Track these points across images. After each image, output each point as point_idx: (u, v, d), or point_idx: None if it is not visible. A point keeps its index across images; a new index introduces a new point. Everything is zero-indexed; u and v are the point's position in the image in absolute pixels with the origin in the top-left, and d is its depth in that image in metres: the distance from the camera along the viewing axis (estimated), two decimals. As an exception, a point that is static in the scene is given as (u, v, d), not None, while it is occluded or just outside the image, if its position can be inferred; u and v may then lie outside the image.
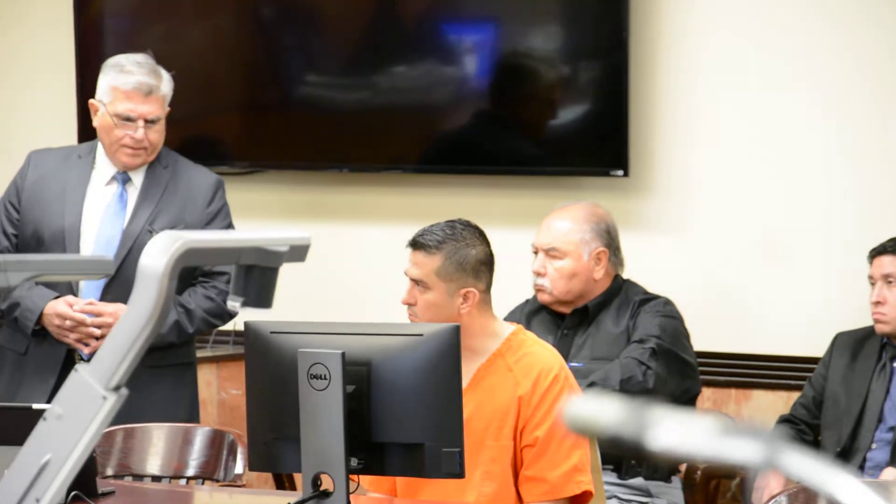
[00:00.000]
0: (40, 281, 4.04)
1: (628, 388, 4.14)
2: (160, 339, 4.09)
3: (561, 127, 5.09)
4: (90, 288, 4.13)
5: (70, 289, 4.13)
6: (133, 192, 4.19)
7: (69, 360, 4.14)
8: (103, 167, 4.21)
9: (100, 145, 4.21)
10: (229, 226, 4.28)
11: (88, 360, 4.06)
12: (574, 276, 4.32)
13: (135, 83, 4.16)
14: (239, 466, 3.71)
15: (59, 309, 4.09)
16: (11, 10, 5.71)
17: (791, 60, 4.87)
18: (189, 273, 4.14)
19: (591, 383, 4.16)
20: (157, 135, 4.18)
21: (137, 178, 4.20)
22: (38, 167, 4.22)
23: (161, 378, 4.08)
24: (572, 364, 4.20)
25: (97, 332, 4.08)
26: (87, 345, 4.09)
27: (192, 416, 4.25)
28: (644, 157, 5.00)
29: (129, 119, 4.14)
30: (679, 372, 4.28)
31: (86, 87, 5.48)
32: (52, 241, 4.13)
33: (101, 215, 4.16)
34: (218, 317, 4.21)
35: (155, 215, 4.16)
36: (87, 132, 5.45)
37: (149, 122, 4.15)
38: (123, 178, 4.19)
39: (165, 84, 4.21)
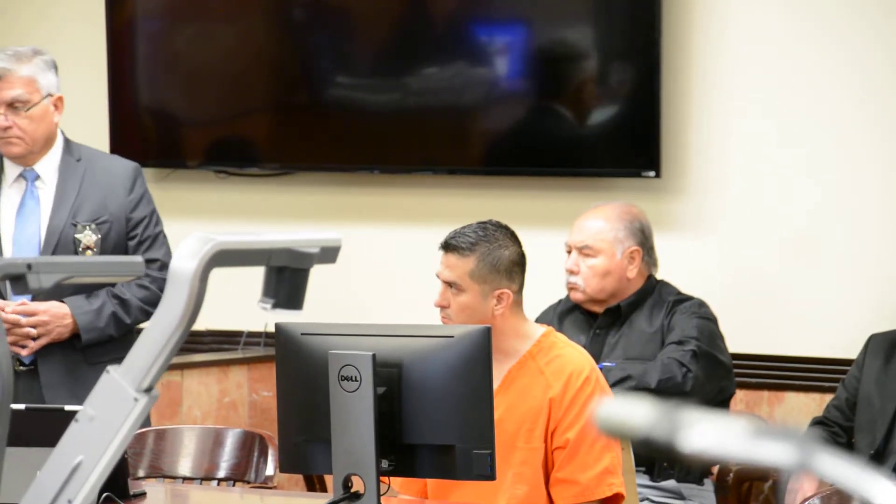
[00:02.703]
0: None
1: (666, 388, 4.13)
2: (100, 333, 4.06)
3: (593, 128, 5.08)
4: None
5: None
6: (45, 189, 4.12)
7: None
8: (10, 169, 4.14)
9: None
10: (153, 212, 4.19)
11: (29, 365, 4.07)
12: (607, 274, 4.31)
13: None
14: (270, 468, 3.71)
15: None
16: (44, 12, 5.74)
17: (824, 61, 4.85)
18: None
19: (626, 377, 4.15)
20: (27, 121, 4.06)
21: (48, 175, 4.13)
22: None
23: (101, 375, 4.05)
24: (604, 364, 4.19)
25: (33, 331, 4.02)
26: (24, 346, 4.02)
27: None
28: (676, 158, 4.98)
29: None
30: (716, 374, 4.27)
31: (118, 88, 5.51)
32: None
33: (15, 215, 4.10)
34: (154, 305, 4.15)
35: (77, 208, 4.10)
36: (118, 133, 5.47)
37: (13, 107, 4.05)
38: (32, 175, 4.12)
39: (30, 67, 4.07)
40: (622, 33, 5.04)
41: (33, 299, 4.04)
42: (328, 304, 5.00)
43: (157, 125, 5.65)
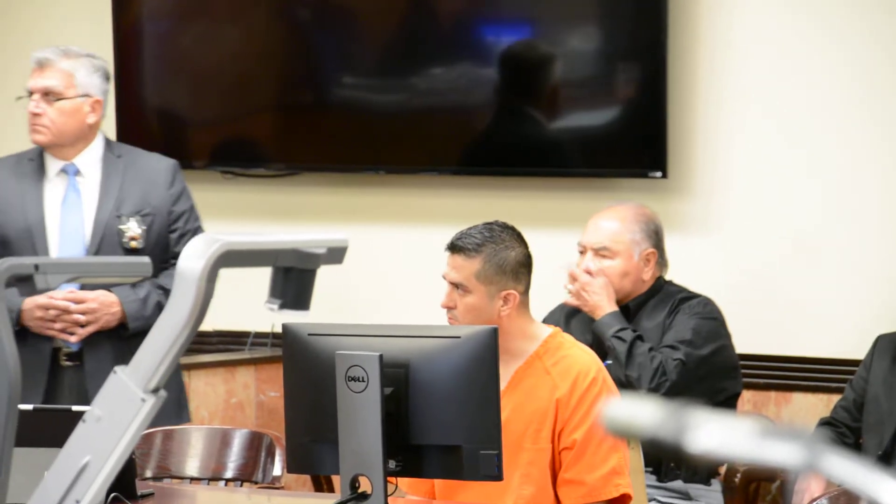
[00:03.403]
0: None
1: (636, 388, 4.16)
2: (145, 322, 4.13)
3: (599, 128, 5.07)
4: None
5: None
6: (85, 183, 4.23)
7: (54, 358, 4.15)
8: (51, 163, 4.25)
9: None
10: (192, 207, 4.32)
11: (77, 351, 4.15)
12: (625, 275, 4.32)
13: (34, 58, 4.24)
14: (277, 468, 3.71)
15: (39, 301, 4.10)
16: (50, 12, 5.74)
17: (830, 61, 4.84)
18: (162, 255, 4.17)
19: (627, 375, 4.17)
20: (56, 112, 4.19)
21: (88, 169, 4.24)
22: None
23: None
24: (610, 363, 4.19)
25: (82, 318, 4.11)
26: (72, 333, 4.11)
27: (181, 404, 4.27)
28: (682, 158, 4.98)
29: (28, 92, 4.23)
30: (709, 374, 4.26)
31: (124, 89, 5.51)
32: (20, 241, 4.16)
33: (60, 208, 4.21)
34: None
35: (121, 201, 4.21)
36: (124, 133, 5.47)
37: (45, 96, 4.19)
38: (72, 169, 4.24)
39: (71, 63, 4.21)
40: (628, 34, 5.04)
41: (82, 288, 4.12)
42: (335, 304, 5.00)
43: (164, 125, 5.65)
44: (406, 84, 5.26)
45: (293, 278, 1.94)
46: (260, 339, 5.41)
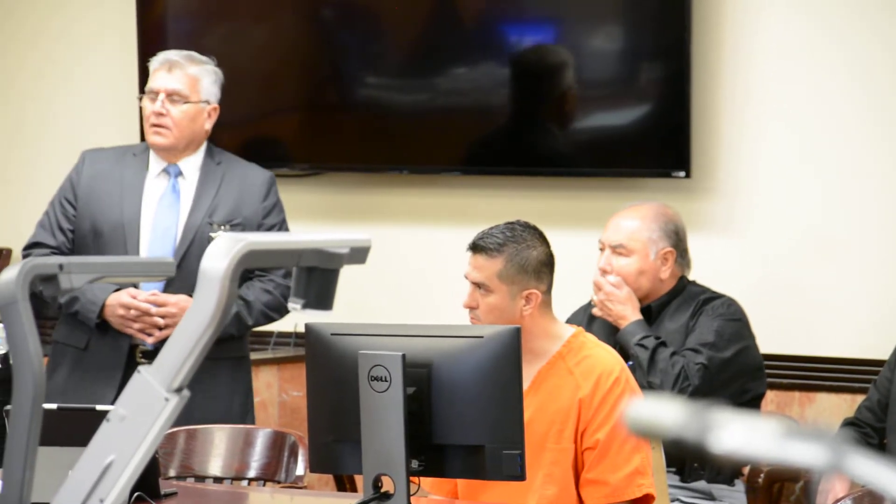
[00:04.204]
0: (103, 282, 4.08)
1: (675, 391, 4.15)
2: (223, 330, 4.14)
3: (622, 128, 5.07)
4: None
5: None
6: (185, 185, 4.27)
7: (132, 353, 4.19)
8: (154, 163, 4.28)
9: None
10: (284, 220, 4.35)
11: (153, 350, 4.19)
12: (641, 273, 4.31)
13: (161, 59, 4.29)
14: (300, 468, 3.72)
15: (122, 299, 4.14)
16: (75, 13, 5.76)
17: (857, 60, 4.82)
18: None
19: (650, 382, 4.16)
20: (181, 114, 4.23)
21: (190, 172, 4.27)
22: (94, 164, 4.31)
23: (217, 370, 4.13)
24: (632, 363, 4.19)
25: (161, 321, 4.14)
26: (150, 335, 4.15)
27: (247, 408, 4.30)
28: (706, 158, 4.97)
29: (152, 92, 4.25)
30: (733, 377, 4.25)
31: (148, 90, 5.52)
32: (112, 234, 4.20)
33: (156, 207, 4.24)
34: (276, 310, 4.27)
35: (213, 208, 4.24)
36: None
37: (170, 97, 4.23)
38: (175, 170, 4.27)
39: (198, 69, 4.27)
40: (652, 33, 5.03)
41: (165, 290, 4.16)
42: (358, 304, 5.01)
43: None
44: (429, 84, 5.27)
45: (316, 278, 1.94)
46: (283, 338, 5.42)
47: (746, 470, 4.36)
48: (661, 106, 4.98)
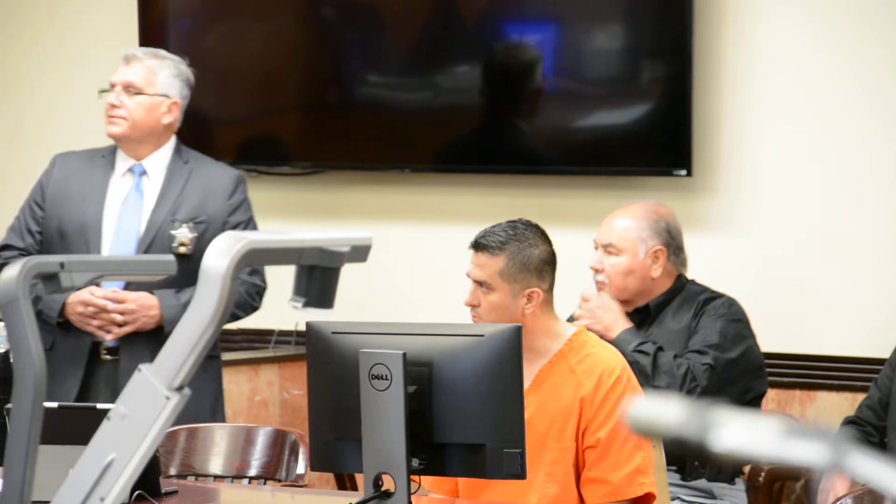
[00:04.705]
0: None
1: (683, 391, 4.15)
2: None
3: (624, 126, 5.07)
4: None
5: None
6: (150, 184, 4.29)
7: (94, 351, 4.20)
8: (120, 163, 4.32)
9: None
10: (251, 219, 4.35)
11: (114, 347, 4.18)
12: (630, 273, 4.31)
13: (124, 54, 4.35)
14: (300, 466, 3.72)
15: (82, 297, 4.18)
16: (76, 13, 5.76)
17: (859, 59, 4.82)
18: None
19: (657, 385, 4.16)
20: (135, 105, 4.26)
21: (155, 171, 4.30)
22: (63, 167, 4.36)
23: None
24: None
25: (119, 318, 4.17)
26: (108, 332, 4.17)
27: (217, 408, 4.30)
28: (707, 156, 4.97)
29: (111, 85, 4.30)
30: (739, 377, 4.25)
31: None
32: (75, 235, 4.24)
33: (120, 207, 4.27)
34: (241, 307, 4.29)
35: (178, 206, 4.26)
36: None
37: (126, 89, 4.26)
38: (139, 170, 4.30)
39: (157, 62, 4.30)
40: (654, 31, 5.03)
41: (126, 287, 4.18)
42: (359, 302, 5.01)
43: (189, 124, 5.64)
44: (431, 82, 5.27)
45: (317, 276, 1.94)
46: (284, 337, 5.42)
47: (747, 468, 4.36)
48: (662, 104, 4.98)
